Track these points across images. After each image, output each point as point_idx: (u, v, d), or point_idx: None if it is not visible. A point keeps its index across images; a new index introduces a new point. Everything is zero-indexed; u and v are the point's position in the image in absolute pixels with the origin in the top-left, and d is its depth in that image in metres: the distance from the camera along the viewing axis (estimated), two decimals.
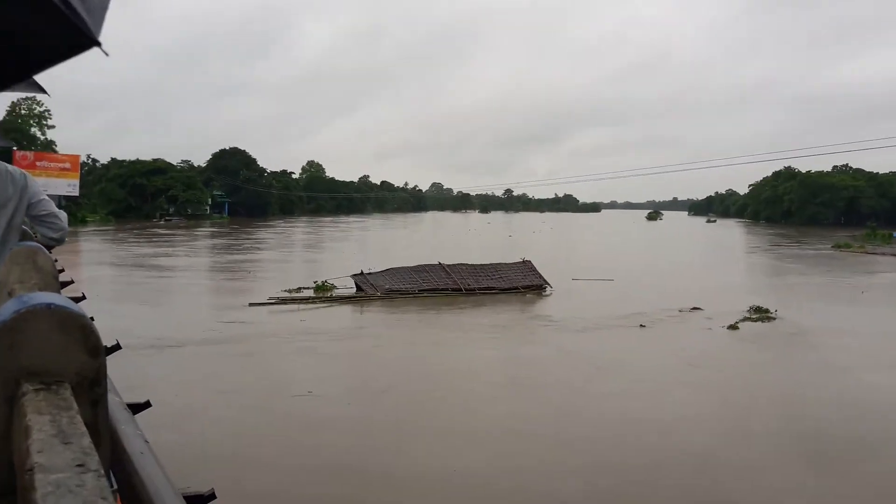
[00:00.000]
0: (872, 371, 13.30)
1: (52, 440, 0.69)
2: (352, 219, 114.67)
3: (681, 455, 8.74)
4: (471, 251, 35.63)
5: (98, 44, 1.45)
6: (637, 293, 23.14)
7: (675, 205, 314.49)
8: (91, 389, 0.86)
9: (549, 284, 24.05)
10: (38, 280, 1.57)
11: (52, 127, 77.63)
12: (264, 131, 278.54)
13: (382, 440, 9.10)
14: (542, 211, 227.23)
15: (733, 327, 17.23)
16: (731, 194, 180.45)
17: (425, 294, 22.13)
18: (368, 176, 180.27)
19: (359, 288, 22.27)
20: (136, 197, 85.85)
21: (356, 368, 13.47)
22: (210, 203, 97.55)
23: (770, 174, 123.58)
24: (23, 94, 68.96)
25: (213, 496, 1.38)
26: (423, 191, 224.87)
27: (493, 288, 23.19)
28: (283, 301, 20.58)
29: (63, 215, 3.17)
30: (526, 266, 24.66)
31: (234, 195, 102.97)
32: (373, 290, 21.94)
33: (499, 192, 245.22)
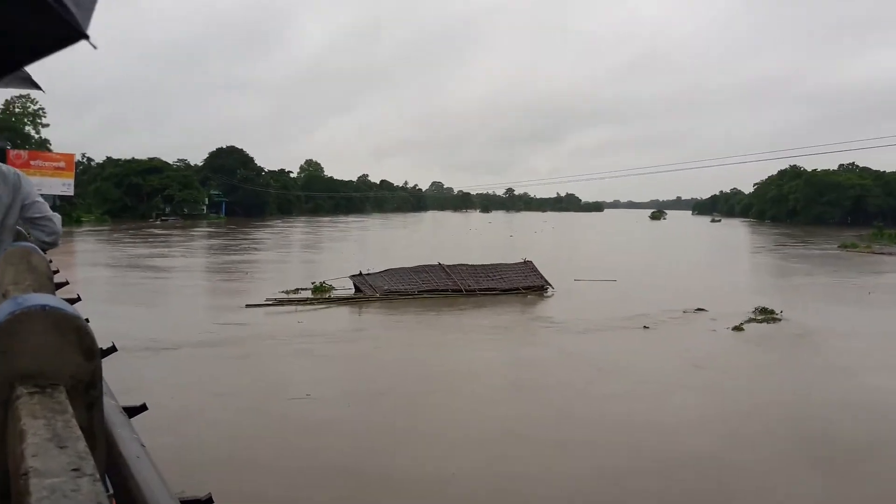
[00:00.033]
0: (880, 373, 13.29)
1: (46, 444, 0.69)
2: (351, 218, 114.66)
3: (685, 459, 8.74)
4: (471, 251, 35.62)
5: (86, 36, 1.46)
6: (640, 294, 23.13)
7: (678, 204, 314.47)
8: (86, 392, 0.86)
9: (550, 285, 24.04)
10: (33, 281, 1.57)
11: (47, 125, 77.85)
12: (262, 130, 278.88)
13: (380, 443, 9.10)
14: (543, 210, 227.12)
15: (738, 329, 17.23)
16: (735, 193, 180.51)
17: (425, 295, 22.12)
18: (367, 175, 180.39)
19: (357, 289, 22.27)
20: (132, 196, 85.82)
21: (354, 371, 13.47)
22: (207, 203, 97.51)
23: (775, 173, 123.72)
24: (17, 92, 69.09)
25: (210, 501, 1.38)
26: (423, 190, 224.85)
27: (493, 289, 23.18)
28: (281, 302, 20.58)
29: (57, 218, 3.16)
30: (527, 266, 24.66)
31: (232, 195, 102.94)
32: (371, 291, 21.94)
33: (500, 192, 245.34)
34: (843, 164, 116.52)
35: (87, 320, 0.92)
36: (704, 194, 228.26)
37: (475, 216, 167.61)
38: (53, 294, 1.54)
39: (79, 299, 3.07)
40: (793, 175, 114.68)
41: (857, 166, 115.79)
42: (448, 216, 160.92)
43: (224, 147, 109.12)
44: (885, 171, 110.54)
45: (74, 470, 0.64)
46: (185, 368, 13.01)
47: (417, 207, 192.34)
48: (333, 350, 14.98)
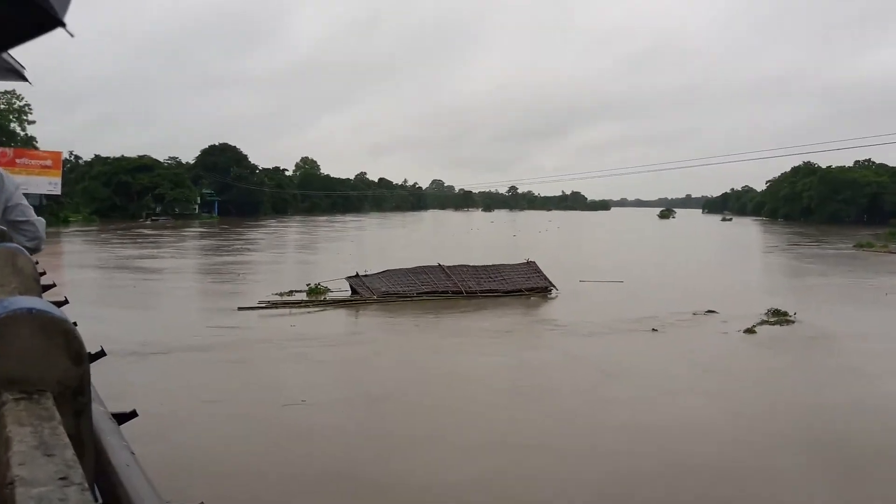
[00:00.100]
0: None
1: (33, 452, 0.69)
2: (348, 218, 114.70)
3: (694, 465, 8.73)
4: (472, 251, 35.63)
5: (62, 24, 1.48)
6: (648, 295, 23.14)
7: (688, 202, 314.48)
8: (74, 399, 0.86)
9: (554, 287, 24.04)
10: (19, 283, 1.57)
11: (33, 122, 77.78)
12: (256, 127, 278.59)
13: (377, 450, 9.10)
14: (548, 209, 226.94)
15: (750, 331, 17.23)
16: (747, 191, 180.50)
17: (424, 297, 22.12)
18: (365, 173, 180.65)
19: (354, 291, 22.27)
20: (122, 196, 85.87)
21: (351, 376, 13.47)
22: (199, 202, 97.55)
23: (789, 170, 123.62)
24: (2, 86, 69.12)
25: None
26: (423, 188, 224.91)
27: (495, 290, 23.18)
28: (274, 305, 20.60)
29: (41, 223, 3.13)
30: (530, 267, 24.66)
31: (225, 193, 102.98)
32: (369, 292, 21.94)
33: (503, 190, 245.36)
34: (858, 161, 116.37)
35: (74, 324, 0.92)
36: (715, 192, 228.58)
37: (477, 215, 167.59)
38: (40, 297, 1.54)
39: (66, 302, 3.06)
40: (807, 172, 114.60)
41: (874, 163, 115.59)
42: (449, 215, 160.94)
43: (217, 144, 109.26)
44: None
45: (62, 479, 0.64)
46: (174, 373, 13.02)
47: (417, 206, 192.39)
48: (329, 354, 14.99)
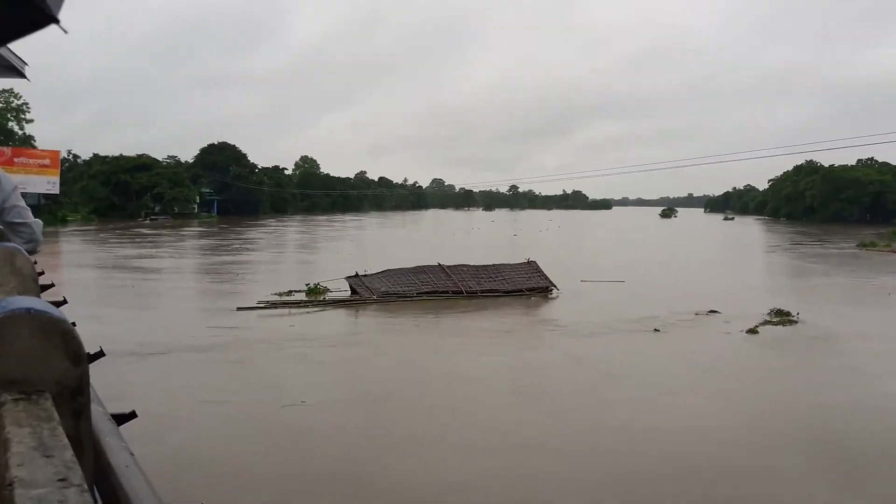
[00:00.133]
0: None
1: (32, 453, 0.69)
2: (348, 217, 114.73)
3: (696, 466, 8.73)
4: (473, 251, 35.63)
5: (56, 20, 1.49)
6: (650, 295, 23.13)
7: (690, 201, 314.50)
8: (73, 399, 0.86)
9: (555, 286, 24.04)
10: (17, 283, 1.57)
11: (31, 121, 77.91)
12: (255, 125, 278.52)
13: (377, 451, 9.11)
14: (549, 208, 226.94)
15: (752, 331, 17.22)
16: (749, 190, 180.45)
17: (424, 297, 22.12)
18: (365, 172, 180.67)
19: (353, 291, 22.27)
20: (120, 195, 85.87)
21: (350, 376, 13.48)
22: (198, 201, 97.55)
23: (791, 168, 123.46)
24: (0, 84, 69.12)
25: None
26: (424, 187, 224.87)
27: (496, 290, 23.18)
28: (273, 305, 20.60)
29: (38, 225, 3.11)
30: (531, 267, 24.66)
31: (224, 193, 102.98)
32: (368, 292, 21.94)
33: (504, 189, 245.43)
34: (861, 160, 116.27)
35: (73, 324, 0.92)
36: (717, 191, 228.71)
37: (478, 214, 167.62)
38: (38, 297, 1.54)
39: (65, 302, 3.06)
40: (809, 171, 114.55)
41: (877, 161, 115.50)
42: (449, 214, 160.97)
43: (216, 143, 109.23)
44: None
45: (61, 480, 0.64)
46: (174, 374, 13.02)
47: (418, 205, 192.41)
48: (328, 355, 14.99)
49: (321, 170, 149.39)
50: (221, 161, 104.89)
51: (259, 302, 20.56)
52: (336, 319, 19.59)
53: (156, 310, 21.04)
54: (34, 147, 71.73)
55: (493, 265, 24.58)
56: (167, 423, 9.47)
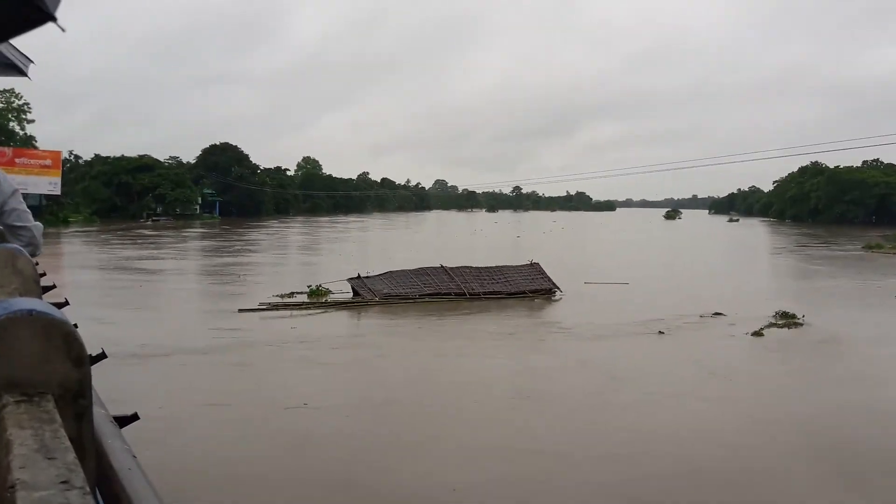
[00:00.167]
0: None
1: (34, 455, 0.69)
2: (350, 218, 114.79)
3: (703, 471, 8.71)
4: (476, 253, 35.66)
5: (53, 19, 1.50)
6: (654, 297, 23.10)
7: (694, 203, 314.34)
8: (75, 401, 0.86)
9: (558, 288, 24.02)
10: (19, 285, 1.57)
11: (32, 121, 78.08)
12: (257, 126, 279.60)
13: (379, 455, 9.10)
14: (553, 210, 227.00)
15: (758, 334, 17.19)
16: (754, 191, 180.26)
17: (426, 299, 22.12)
18: (368, 173, 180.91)
19: (356, 292, 22.27)
20: (122, 196, 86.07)
21: (353, 379, 13.48)
22: (200, 202, 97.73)
23: (796, 170, 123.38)
24: (1, 85, 69.31)
25: None
26: (427, 188, 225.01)
27: (498, 292, 23.17)
28: (275, 307, 20.61)
29: (38, 228, 3.10)
30: (534, 269, 24.65)
31: (226, 194, 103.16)
32: (370, 294, 21.94)
33: (507, 190, 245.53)
34: (866, 161, 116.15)
35: (75, 326, 0.92)
36: (722, 192, 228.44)
37: (481, 216, 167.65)
38: (40, 298, 1.54)
39: (67, 304, 3.07)
40: (814, 172, 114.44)
41: (882, 163, 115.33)
42: (452, 216, 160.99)
43: (218, 144, 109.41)
44: None
45: (63, 482, 0.64)
46: (175, 376, 13.03)
47: (420, 207, 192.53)
48: (330, 357, 14.99)
49: (324, 171, 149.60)
50: (223, 162, 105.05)
51: (261, 303, 20.58)
52: (338, 321, 19.59)
53: (157, 311, 21.07)
54: (35, 147, 71.90)
55: (496, 267, 24.57)
56: (169, 425, 9.48)
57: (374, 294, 21.94)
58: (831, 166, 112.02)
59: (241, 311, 19.74)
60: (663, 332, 17.37)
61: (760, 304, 20.67)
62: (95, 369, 1.07)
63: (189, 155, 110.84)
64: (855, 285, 29.72)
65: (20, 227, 2.97)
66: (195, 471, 8.35)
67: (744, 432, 10.32)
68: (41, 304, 0.89)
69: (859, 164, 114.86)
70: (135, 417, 1.57)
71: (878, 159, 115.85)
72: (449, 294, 22.54)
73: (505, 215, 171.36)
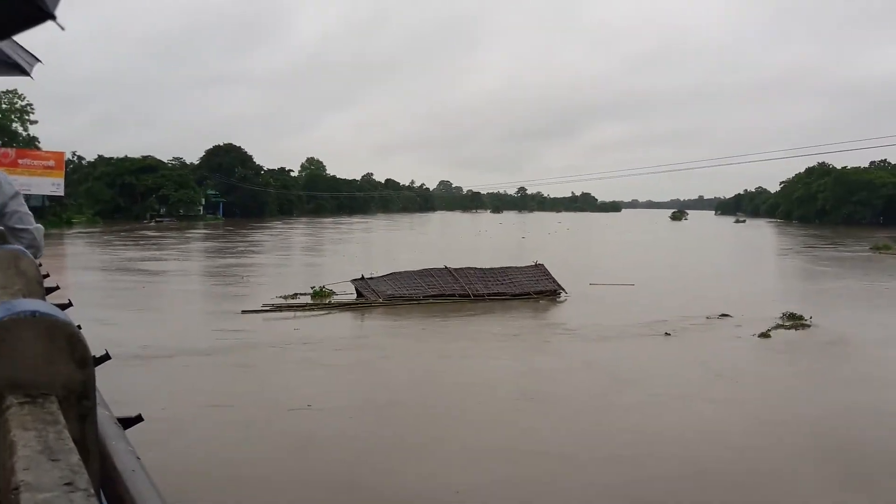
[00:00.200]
0: None
1: (38, 457, 0.69)
2: (354, 219, 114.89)
3: (709, 473, 8.69)
4: (480, 254, 35.65)
5: (53, 17, 1.51)
6: (660, 299, 23.05)
7: (700, 203, 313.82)
8: (79, 403, 0.87)
9: (563, 290, 23.99)
10: (22, 286, 1.58)
11: (35, 122, 78.37)
12: (261, 127, 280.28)
13: (383, 457, 9.10)
14: (558, 210, 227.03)
15: (765, 335, 17.13)
16: (761, 192, 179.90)
17: (430, 300, 22.11)
18: (372, 174, 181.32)
19: (359, 294, 22.28)
20: (125, 197, 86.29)
21: (356, 380, 13.48)
22: (203, 203, 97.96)
23: (803, 171, 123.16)
24: (2, 87, 69.54)
25: None
26: (431, 189, 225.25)
27: (503, 293, 23.15)
28: (279, 308, 20.63)
29: (39, 231, 3.10)
30: (539, 270, 24.62)
31: (230, 195, 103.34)
32: (374, 295, 21.94)
33: (511, 191, 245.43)
34: (874, 162, 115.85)
35: (79, 327, 0.92)
36: (728, 193, 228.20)
37: (485, 217, 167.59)
38: (44, 299, 1.54)
39: (70, 305, 3.08)
40: (821, 173, 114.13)
41: (890, 163, 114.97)
42: (457, 217, 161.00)
43: (221, 145, 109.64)
44: None
45: (67, 484, 0.64)
46: (178, 377, 13.05)
47: (425, 208, 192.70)
48: (334, 358, 14.99)
49: (327, 171, 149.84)
50: (227, 163, 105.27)
51: (264, 305, 20.60)
52: (341, 323, 19.60)
53: (161, 312, 21.11)
54: (39, 149, 72.10)
55: (501, 268, 24.54)
56: (172, 426, 9.50)
57: (378, 295, 21.94)
58: (838, 167, 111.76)
59: (244, 312, 19.76)
60: (669, 334, 17.34)
61: (767, 306, 20.61)
62: (99, 370, 1.08)
63: (192, 156, 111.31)
64: (862, 286, 29.61)
65: (21, 229, 2.97)
66: (198, 472, 8.36)
67: (750, 434, 10.29)
68: (45, 306, 0.90)
69: (867, 165, 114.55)
70: (139, 419, 1.58)
71: (885, 160, 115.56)
72: (453, 295, 22.53)
73: (510, 216, 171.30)
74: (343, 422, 10.56)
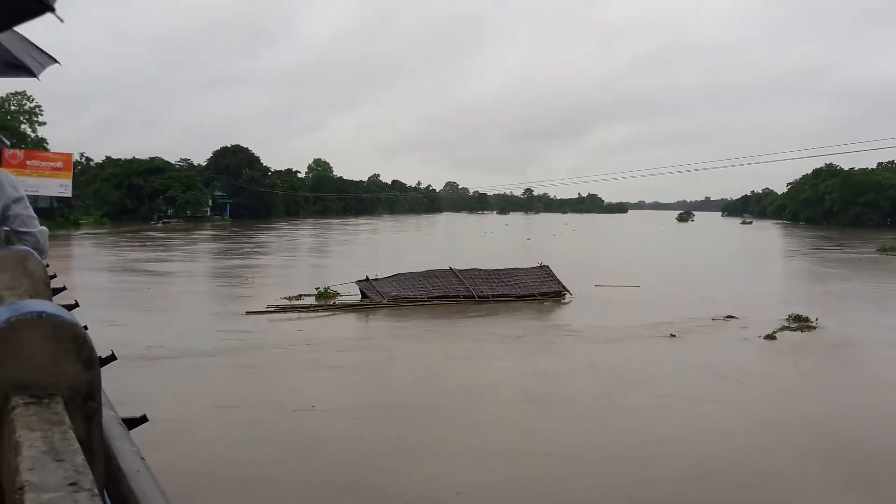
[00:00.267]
0: None
1: (43, 457, 0.69)
2: (361, 220, 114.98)
3: (714, 475, 8.66)
4: (486, 255, 35.60)
5: (52, 9, 1.51)
6: (666, 300, 22.99)
7: (707, 205, 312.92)
8: (85, 403, 0.87)
9: (568, 291, 23.94)
10: (29, 287, 1.58)
11: (44, 124, 78.68)
12: (268, 128, 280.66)
13: (387, 458, 9.10)
14: (564, 212, 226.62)
15: (770, 337, 17.07)
16: (767, 194, 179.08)
17: (435, 302, 22.10)
18: (378, 175, 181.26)
19: (364, 295, 22.28)
20: (133, 198, 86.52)
21: (360, 381, 13.48)
22: (210, 204, 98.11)
23: (810, 172, 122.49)
24: (11, 88, 69.86)
25: None
26: (437, 191, 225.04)
27: (508, 295, 23.12)
28: (283, 309, 20.65)
29: (43, 234, 3.10)
30: (544, 271, 24.58)
31: (236, 196, 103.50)
32: (379, 297, 21.94)
33: (518, 192, 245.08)
34: (882, 163, 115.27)
35: (85, 327, 0.93)
36: (735, 194, 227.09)
37: (491, 218, 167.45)
38: (50, 300, 1.55)
39: (77, 305, 3.08)
40: (829, 174, 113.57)
41: None
42: (463, 218, 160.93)
43: (228, 146, 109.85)
44: None
45: (72, 484, 0.65)
46: (183, 378, 13.08)
47: (431, 209, 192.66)
48: (339, 360, 15.00)
49: (334, 173, 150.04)
50: (234, 164, 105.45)
51: (269, 306, 20.62)
52: (346, 324, 19.61)
53: (166, 313, 21.16)
54: (47, 150, 72.38)
55: (506, 269, 24.52)
56: (177, 427, 9.52)
57: (383, 296, 21.95)
58: (846, 168, 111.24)
59: (248, 313, 19.79)
60: (675, 335, 17.29)
61: (773, 307, 20.53)
62: (104, 371, 1.08)
63: (199, 157, 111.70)
64: (869, 288, 29.47)
65: (24, 232, 2.98)
66: (203, 473, 8.38)
67: (756, 435, 10.25)
68: (51, 306, 0.90)
69: (874, 166, 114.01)
70: (143, 419, 1.58)
71: (893, 161, 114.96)
72: (458, 297, 22.52)
73: (516, 217, 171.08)
74: (347, 423, 10.57)
